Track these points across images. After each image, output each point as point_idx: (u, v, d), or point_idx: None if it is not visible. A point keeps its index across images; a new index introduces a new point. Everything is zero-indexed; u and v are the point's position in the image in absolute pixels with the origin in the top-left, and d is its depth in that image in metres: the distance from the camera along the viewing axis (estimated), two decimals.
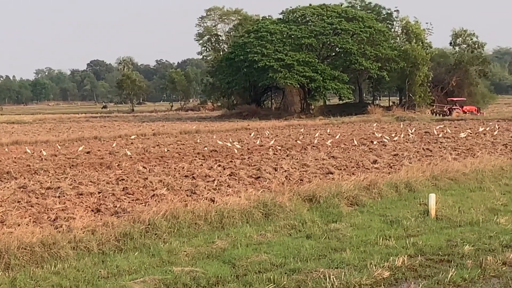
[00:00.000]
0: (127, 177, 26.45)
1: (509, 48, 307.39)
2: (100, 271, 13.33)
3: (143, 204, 19.29)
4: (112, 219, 16.65)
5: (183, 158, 35.28)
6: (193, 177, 26.35)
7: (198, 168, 29.68)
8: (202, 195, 21.00)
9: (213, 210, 17.43)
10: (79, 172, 29.11)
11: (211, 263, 13.90)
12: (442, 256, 14.28)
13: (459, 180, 24.14)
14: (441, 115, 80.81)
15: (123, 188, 23.23)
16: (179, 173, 27.73)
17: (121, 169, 29.70)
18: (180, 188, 23.10)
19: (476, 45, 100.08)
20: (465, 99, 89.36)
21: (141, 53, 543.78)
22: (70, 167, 31.18)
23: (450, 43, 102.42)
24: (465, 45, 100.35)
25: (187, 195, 21.38)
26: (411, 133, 49.87)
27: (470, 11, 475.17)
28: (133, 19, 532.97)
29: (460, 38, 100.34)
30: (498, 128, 54.08)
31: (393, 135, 48.90)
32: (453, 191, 22.53)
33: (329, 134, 52.20)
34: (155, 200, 20.00)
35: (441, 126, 58.16)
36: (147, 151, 39.84)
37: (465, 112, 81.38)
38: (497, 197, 20.79)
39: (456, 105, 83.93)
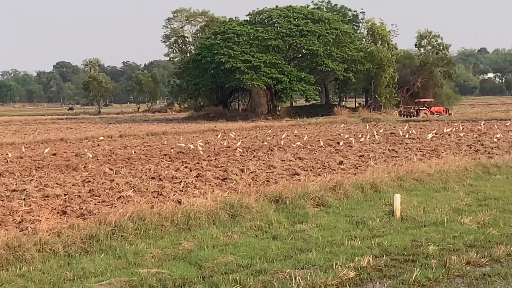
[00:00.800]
0: (94, 179, 26.36)
1: (473, 50, 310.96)
2: (65, 274, 13.29)
3: (109, 206, 19.25)
4: (78, 221, 16.58)
5: (149, 159, 35.20)
6: (159, 178, 26.33)
7: (165, 169, 29.65)
8: (169, 197, 20.99)
9: (179, 212, 17.42)
10: (45, 174, 28.92)
11: (177, 265, 13.91)
12: (407, 256, 14.41)
13: (424, 181, 24.32)
14: (408, 116, 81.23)
15: (89, 190, 23.16)
16: (146, 175, 27.68)
17: (87, 171, 29.55)
18: (147, 189, 23.08)
19: (441, 47, 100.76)
20: (432, 100, 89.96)
21: (107, 54, 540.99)
22: (36, 169, 30.97)
23: (415, 45, 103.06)
24: (430, 47, 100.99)
25: (154, 197, 21.38)
26: (377, 134, 50.14)
27: (435, 13, 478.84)
28: (99, 21, 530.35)
29: (425, 40, 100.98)
30: (463, 129, 54.54)
31: (359, 136, 49.14)
32: (418, 191, 22.69)
33: (295, 136, 52.34)
34: (122, 202, 19.96)
35: (407, 127, 58.48)
36: (113, 153, 39.67)
37: (433, 113, 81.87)
38: (461, 197, 20.96)
39: (423, 106, 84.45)
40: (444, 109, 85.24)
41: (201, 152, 37.93)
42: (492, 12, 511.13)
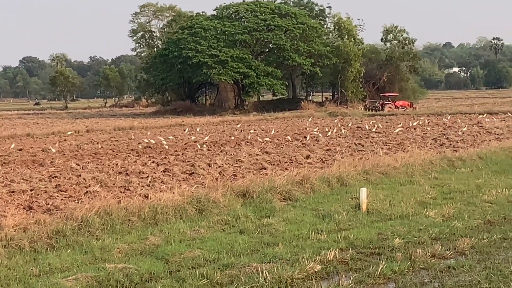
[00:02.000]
0: (60, 174, 26.26)
1: (439, 44, 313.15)
2: (31, 269, 13.22)
3: (76, 201, 19.19)
4: (45, 216, 16.49)
5: (117, 154, 35.10)
6: (126, 173, 26.29)
7: (132, 164, 29.60)
8: (136, 192, 20.95)
9: (146, 207, 17.41)
10: (11, 169, 28.73)
11: (144, 260, 13.91)
12: (372, 249, 14.52)
13: (390, 174, 24.48)
14: (373, 110, 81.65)
15: (56, 185, 23.06)
16: (113, 170, 27.62)
17: (54, 166, 29.42)
18: (114, 184, 23.03)
19: (407, 41, 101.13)
20: (397, 94, 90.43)
21: (74, 49, 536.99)
22: (2, 165, 30.75)
23: (381, 39, 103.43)
24: (396, 41, 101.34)
25: (121, 192, 21.34)
26: (344, 128, 50.38)
27: (401, 8, 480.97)
28: (66, 15, 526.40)
29: (391, 34, 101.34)
30: (428, 122, 54.96)
31: (326, 130, 49.34)
32: (384, 185, 22.84)
33: (262, 130, 52.46)
34: (88, 197, 19.89)
35: (373, 121, 58.83)
36: (80, 148, 39.51)
37: (397, 107, 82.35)
38: (426, 191, 21.15)
39: (388, 100, 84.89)
40: (409, 103, 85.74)
41: (166, 147, 37.86)
42: (457, 7, 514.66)
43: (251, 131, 50.46)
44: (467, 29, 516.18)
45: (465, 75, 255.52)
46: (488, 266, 13.09)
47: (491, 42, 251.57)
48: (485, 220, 17.07)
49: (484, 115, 60.94)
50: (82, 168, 28.75)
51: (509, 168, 26.20)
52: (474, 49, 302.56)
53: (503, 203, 19.18)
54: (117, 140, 45.23)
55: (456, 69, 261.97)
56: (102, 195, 19.85)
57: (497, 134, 41.40)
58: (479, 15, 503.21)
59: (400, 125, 51.37)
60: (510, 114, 62.48)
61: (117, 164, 29.73)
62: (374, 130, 48.45)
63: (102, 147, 39.76)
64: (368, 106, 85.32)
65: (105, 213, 16.66)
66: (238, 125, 60.77)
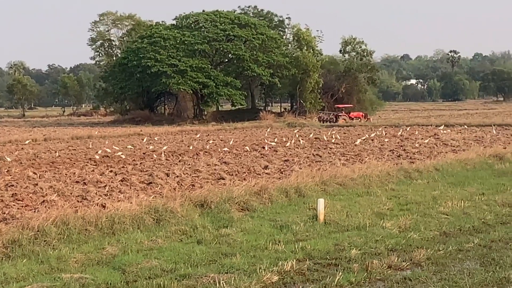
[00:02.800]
0: (17, 183, 26.03)
1: (397, 56, 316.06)
2: None
3: (33, 211, 19.04)
4: (0, 225, 16.33)
5: (74, 163, 34.89)
6: (84, 183, 26.15)
7: (90, 174, 29.43)
8: (93, 201, 20.83)
9: (103, 216, 17.30)
10: None
11: (100, 270, 13.83)
12: (329, 260, 14.53)
13: (347, 185, 24.55)
14: (327, 121, 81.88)
15: (12, 194, 22.85)
16: (70, 179, 27.46)
17: (10, 175, 29.14)
18: (71, 194, 22.89)
19: (365, 53, 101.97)
20: (352, 105, 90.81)
21: (32, 57, 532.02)
22: None
23: (340, 51, 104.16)
24: (354, 53, 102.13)
25: (78, 201, 21.22)
26: (302, 139, 50.54)
27: (359, 20, 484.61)
28: (24, 23, 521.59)
29: (350, 46, 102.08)
30: (386, 134, 55.35)
31: (285, 140, 49.49)
32: (342, 196, 22.91)
33: (221, 140, 52.47)
34: (45, 206, 19.73)
35: (332, 132, 59.10)
36: (37, 156, 39.20)
37: (352, 119, 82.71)
38: (383, 202, 21.25)
39: (342, 112, 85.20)
40: (363, 114, 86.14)
41: (122, 157, 37.70)
42: (414, 20, 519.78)
43: (210, 141, 50.46)
44: (425, 41, 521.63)
45: (422, 87, 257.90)
46: (444, 278, 13.19)
47: (448, 54, 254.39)
48: (441, 232, 17.19)
49: (441, 127, 61.48)
50: (39, 177, 28.51)
51: (464, 180, 26.45)
52: (431, 61, 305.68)
53: (459, 214, 19.34)
54: (75, 149, 44.99)
55: (413, 81, 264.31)
56: (59, 204, 19.68)
57: (453, 146, 41.79)
58: (436, 28, 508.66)
59: (359, 136, 51.68)
60: (466, 127, 63.20)
61: (74, 173, 29.55)
62: (333, 141, 48.67)
63: (59, 156, 39.49)
64: (322, 117, 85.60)
65: (62, 222, 16.52)
66: (197, 135, 60.73)
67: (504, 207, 20.55)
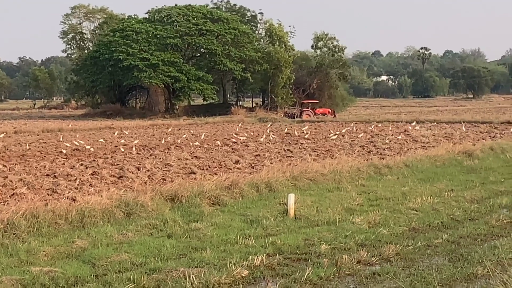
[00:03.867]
0: None
1: (368, 53, 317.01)
2: None
3: (2, 203, 18.91)
4: None
5: (45, 157, 34.73)
6: (54, 176, 26.03)
7: (60, 167, 29.32)
8: (64, 194, 20.76)
9: (74, 210, 17.22)
10: None
11: (70, 263, 13.79)
12: (299, 255, 14.59)
13: (318, 181, 24.60)
14: (292, 117, 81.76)
15: None
16: (41, 172, 27.35)
17: None
18: (41, 187, 22.79)
19: (337, 49, 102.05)
20: (318, 101, 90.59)
21: (3, 49, 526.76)
22: None
23: (312, 46, 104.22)
24: (326, 49, 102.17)
25: (48, 194, 21.13)
26: (273, 134, 50.65)
27: (331, 16, 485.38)
28: None
29: (322, 42, 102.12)
30: (356, 130, 55.60)
31: (256, 135, 49.56)
32: (312, 191, 22.97)
33: (192, 134, 52.44)
34: (15, 199, 19.63)
35: (305, 128, 59.23)
36: (7, 149, 38.96)
37: (317, 115, 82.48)
38: (353, 197, 21.35)
39: (307, 108, 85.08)
40: (330, 111, 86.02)
41: (91, 150, 37.55)
42: (386, 16, 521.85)
43: (181, 136, 50.39)
44: (396, 38, 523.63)
45: (393, 83, 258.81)
46: (412, 273, 13.29)
47: (419, 51, 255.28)
48: (410, 227, 17.31)
49: (414, 123, 61.84)
50: (9, 169, 28.37)
51: (434, 176, 26.65)
52: (402, 58, 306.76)
53: (428, 210, 19.50)
54: (46, 142, 44.76)
55: (384, 78, 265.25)
56: (29, 197, 19.62)
57: (423, 143, 42.05)
58: (408, 25, 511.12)
59: (330, 132, 51.87)
60: (436, 123, 63.65)
61: (45, 167, 29.41)
62: (306, 136, 48.81)
63: (30, 148, 39.27)
64: (287, 113, 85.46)
65: (32, 215, 16.44)
66: (168, 129, 60.67)
67: (472, 203, 20.75)
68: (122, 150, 38.03)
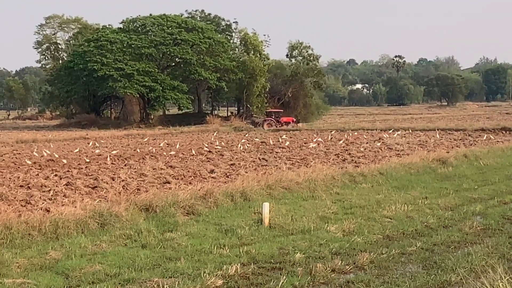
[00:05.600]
0: None
1: (343, 61, 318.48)
2: None
3: None
4: None
5: (18, 167, 34.51)
6: (28, 187, 25.87)
7: (34, 178, 29.13)
8: (37, 205, 20.64)
9: (47, 221, 17.12)
10: None
11: (44, 275, 13.70)
12: (274, 264, 14.57)
13: (293, 189, 24.59)
14: (255, 126, 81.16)
15: None
16: (14, 183, 27.14)
17: None
18: (15, 198, 22.61)
19: (311, 58, 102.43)
20: (282, 110, 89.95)
21: None
22: None
23: (287, 55, 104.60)
24: (301, 58, 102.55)
25: (22, 205, 20.99)
26: (248, 143, 50.64)
27: (306, 25, 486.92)
28: None
29: (296, 51, 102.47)
30: (331, 138, 55.68)
31: (231, 144, 49.54)
32: (287, 199, 22.94)
33: (167, 144, 52.31)
34: None
35: (282, 137, 59.27)
36: None
37: (281, 124, 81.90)
38: (328, 206, 21.33)
39: (271, 117, 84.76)
40: (293, 119, 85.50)
41: (64, 161, 37.34)
42: (360, 25, 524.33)
43: (156, 145, 50.28)
44: (370, 46, 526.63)
45: (368, 91, 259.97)
46: (386, 281, 13.32)
47: (393, 59, 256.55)
48: (384, 235, 17.35)
49: (392, 131, 62.08)
50: None
51: (408, 184, 26.75)
52: (377, 66, 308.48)
53: (402, 218, 19.55)
54: (19, 153, 44.48)
55: (359, 86, 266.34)
56: (2, 208, 19.40)
57: (398, 150, 42.18)
58: (382, 33, 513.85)
59: (307, 140, 51.91)
60: (410, 131, 63.86)
61: (18, 177, 29.22)
62: (282, 145, 48.83)
63: (3, 159, 39.02)
64: (254, 121, 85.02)
65: (5, 227, 16.34)
66: (143, 139, 60.48)
67: (446, 211, 20.84)
68: (101, 160, 37.83)
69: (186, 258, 14.85)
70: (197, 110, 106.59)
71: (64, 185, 26.40)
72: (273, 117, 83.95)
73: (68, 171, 32.22)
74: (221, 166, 33.73)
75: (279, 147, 46.82)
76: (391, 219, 19.44)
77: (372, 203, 22.14)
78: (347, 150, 43.16)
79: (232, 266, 13.91)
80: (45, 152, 42.84)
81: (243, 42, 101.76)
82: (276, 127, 79.02)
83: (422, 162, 32.50)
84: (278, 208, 20.40)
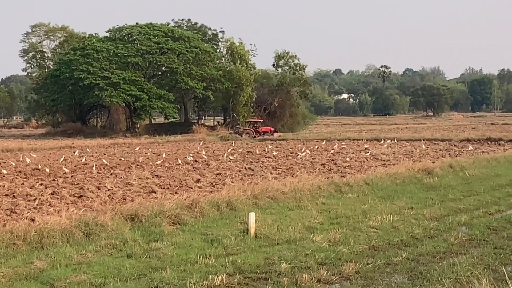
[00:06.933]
0: None
1: (329, 71, 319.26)
2: None
3: None
4: None
5: (4, 176, 34.37)
6: (13, 196, 25.80)
7: (19, 186, 29.05)
8: (22, 215, 20.61)
9: (32, 230, 17.07)
10: None
11: (28, 284, 13.66)
12: (259, 274, 14.55)
13: (279, 199, 24.58)
14: (239, 135, 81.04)
15: None
16: None
17: None
18: (0, 207, 22.56)
19: (298, 67, 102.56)
20: (261, 120, 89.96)
21: None
22: None
23: (273, 65, 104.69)
24: (287, 67, 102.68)
25: (7, 215, 20.94)
26: (235, 153, 50.65)
27: (292, 34, 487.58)
28: None
29: (283, 60, 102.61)
30: (317, 148, 55.74)
31: (217, 154, 49.53)
32: (273, 209, 22.93)
33: (154, 153, 52.28)
34: None
35: (269, 146, 59.30)
36: None
37: (260, 133, 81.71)
38: (314, 216, 21.35)
39: (250, 126, 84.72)
40: (271, 129, 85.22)
41: (47, 170, 37.22)
42: (346, 35, 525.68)
43: (142, 154, 50.22)
44: (356, 56, 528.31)
45: (354, 101, 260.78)
46: None
47: (379, 69, 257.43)
48: (370, 245, 17.36)
49: (382, 141, 62.18)
50: None
51: (394, 194, 26.78)
52: (363, 76, 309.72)
53: (388, 228, 19.59)
54: (5, 162, 44.31)
55: (345, 96, 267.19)
56: None
57: (383, 160, 42.27)
58: (368, 43, 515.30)
59: (294, 150, 51.94)
60: (396, 141, 64.00)
61: (3, 186, 29.12)
62: (274, 153, 48.85)
63: None
64: (236, 131, 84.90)
65: None
66: (129, 148, 60.40)
67: (432, 221, 20.88)
68: (95, 167, 37.75)
69: (171, 268, 14.82)
70: (183, 119, 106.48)
71: (49, 194, 26.32)
72: (252, 126, 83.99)
73: (54, 180, 32.13)
74: (207, 176, 33.70)
75: (265, 157, 46.84)
76: (376, 229, 19.46)
77: (358, 213, 22.14)
78: (333, 160, 43.19)
79: (218, 276, 13.90)
80: (28, 159, 42.69)
81: (229, 52, 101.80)
82: (255, 136, 78.96)
83: (407, 172, 32.57)
84: (264, 218, 20.38)
